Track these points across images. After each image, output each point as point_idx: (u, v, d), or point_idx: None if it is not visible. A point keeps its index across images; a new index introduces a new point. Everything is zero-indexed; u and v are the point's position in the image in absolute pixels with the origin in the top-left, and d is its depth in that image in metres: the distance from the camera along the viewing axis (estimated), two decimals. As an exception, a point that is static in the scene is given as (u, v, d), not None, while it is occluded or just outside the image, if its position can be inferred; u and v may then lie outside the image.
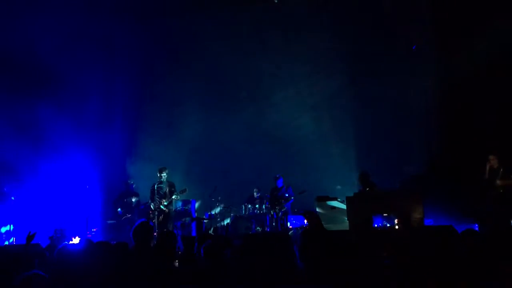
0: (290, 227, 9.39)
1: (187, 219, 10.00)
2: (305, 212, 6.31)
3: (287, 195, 10.16)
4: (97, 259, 3.56)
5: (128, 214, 10.26)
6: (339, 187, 9.04)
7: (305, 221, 5.69)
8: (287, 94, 11.63)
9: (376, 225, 7.77)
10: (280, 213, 10.04)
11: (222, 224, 10.59)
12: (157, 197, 9.01)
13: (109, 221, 10.36)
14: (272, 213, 10.09)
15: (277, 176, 10.39)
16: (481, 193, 8.17)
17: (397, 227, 7.14)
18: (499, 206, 7.80)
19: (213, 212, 10.62)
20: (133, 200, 10.45)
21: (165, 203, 8.94)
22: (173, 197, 9.03)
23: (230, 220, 10.46)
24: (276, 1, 11.46)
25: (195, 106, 11.83)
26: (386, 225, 7.83)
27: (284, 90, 11.63)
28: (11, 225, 9.20)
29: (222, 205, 10.77)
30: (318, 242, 3.05)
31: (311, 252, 3.02)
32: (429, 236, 3.28)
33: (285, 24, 11.62)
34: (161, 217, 8.92)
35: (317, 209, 8.93)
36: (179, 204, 10.32)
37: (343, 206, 8.57)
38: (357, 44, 11.02)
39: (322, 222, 8.56)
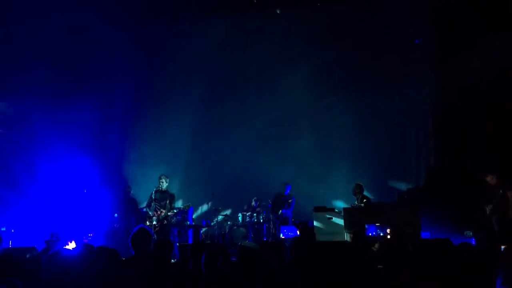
0: (283, 237, 9.38)
1: (184, 226, 9.96)
2: (299, 223, 6.33)
3: (286, 205, 10.24)
4: (90, 265, 3.53)
5: (125, 219, 10.21)
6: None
7: (298, 231, 5.68)
8: (287, 102, 11.66)
9: (369, 234, 7.76)
10: (277, 223, 10.06)
11: (219, 232, 10.56)
12: (156, 206, 8.93)
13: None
14: (272, 217, 10.14)
15: (286, 182, 10.43)
16: (479, 208, 8.16)
17: (389, 236, 7.17)
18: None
19: (218, 220, 10.64)
20: (131, 205, 10.42)
21: (163, 216, 8.84)
22: (170, 213, 8.94)
23: (228, 228, 10.44)
24: (278, 12, 11.57)
25: (194, 113, 11.86)
26: (380, 234, 7.82)
27: (285, 98, 11.66)
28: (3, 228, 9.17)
29: (222, 213, 10.79)
30: (308, 252, 3.07)
31: (301, 262, 3.03)
32: (425, 248, 3.29)
33: (286, 34, 11.70)
34: (158, 226, 8.84)
35: (314, 220, 8.93)
36: (177, 211, 10.27)
37: (341, 217, 8.57)
38: (357, 58, 11.14)
39: (319, 232, 8.63)
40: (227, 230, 10.40)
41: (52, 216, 10.05)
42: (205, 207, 11.38)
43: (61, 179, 10.73)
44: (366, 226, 7.69)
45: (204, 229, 10.49)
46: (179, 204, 10.62)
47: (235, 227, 10.32)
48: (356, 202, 9.06)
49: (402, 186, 10.65)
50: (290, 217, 10.24)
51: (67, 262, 3.30)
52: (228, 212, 11.30)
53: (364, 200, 8.89)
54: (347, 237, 8.02)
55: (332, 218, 8.83)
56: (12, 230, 9.20)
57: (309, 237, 5.38)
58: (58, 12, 10.11)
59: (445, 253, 3.27)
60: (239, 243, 6.87)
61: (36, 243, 8.06)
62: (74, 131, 10.88)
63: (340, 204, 10.22)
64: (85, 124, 11.27)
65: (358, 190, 9.34)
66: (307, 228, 5.59)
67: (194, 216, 11.13)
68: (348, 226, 7.99)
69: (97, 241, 9.69)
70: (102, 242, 9.48)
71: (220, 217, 10.85)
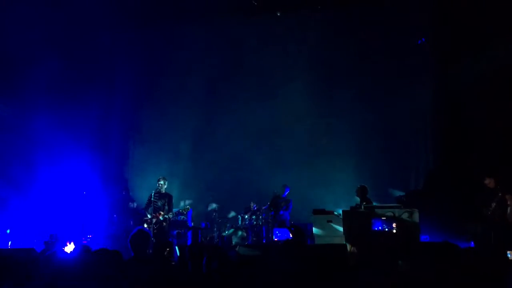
0: (275, 239, 9.37)
1: (183, 228, 9.96)
2: (292, 225, 6.34)
3: (284, 207, 10.23)
4: (87, 266, 3.53)
5: (124, 221, 10.23)
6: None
7: (290, 234, 5.68)
8: (288, 105, 11.68)
9: (375, 229, 7.72)
10: (276, 224, 10.06)
11: (218, 234, 10.56)
12: (155, 208, 8.91)
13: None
14: (269, 218, 10.12)
15: (285, 184, 10.42)
16: (477, 212, 8.14)
17: (395, 231, 7.16)
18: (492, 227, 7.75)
19: (217, 222, 10.64)
20: (133, 205, 10.42)
21: (161, 218, 8.82)
22: (169, 215, 8.93)
23: (227, 230, 10.44)
24: (278, 14, 11.60)
25: (193, 114, 11.87)
26: (385, 228, 7.79)
27: (285, 101, 11.68)
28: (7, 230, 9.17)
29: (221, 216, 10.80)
30: (297, 255, 3.08)
31: (291, 263, 3.05)
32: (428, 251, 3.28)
33: (287, 36, 11.73)
34: (156, 228, 8.82)
35: (313, 223, 8.91)
36: (176, 213, 10.27)
37: (340, 220, 8.56)
38: (359, 60, 11.17)
39: (318, 236, 8.61)
40: (226, 232, 10.41)
41: (52, 217, 10.05)
42: (204, 209, 11.36)
43: (61, 180, 10.74)
44: (373, 221, 7.65)
45: (202, 231, 10.47)
46: (180, 206, 10.61)
47: (233, 229, 10.31)
48: (359, 204, 9.03)
49: (402, 189, 10.65)
50: (288, 219, 10.24)
51: (64, 263, 3.30)
52: (230, 214, 11.28)
53: (364, 203, 8.88)
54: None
55: (332, 221, 8.81)
56: (8, 231, 9.18)
57: (300, 240, 5.35)
58: (60, 15, 10.14)
59: (446, 257, 3.26)
60: (236, 248, 6.88)
61: (35, 244, 8.06)
62: (74, 132, 10.90)
63: (340, 208, 10.19)
64: (85, 125, 11.29)
65: (360, 192, 9.30)
66: (299, 233, 5.57)
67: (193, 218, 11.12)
68: (348, 230, 7.95)
69: (96, 242, 9.69)
70: (101, 244, 9.48)
71: (219, 220, 10.86)
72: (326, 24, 11.40)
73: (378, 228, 7.79)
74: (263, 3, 11.07)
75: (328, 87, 11.49)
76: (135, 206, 10.45)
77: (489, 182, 7.82)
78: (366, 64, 11.13)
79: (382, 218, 7.54)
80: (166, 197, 8.99)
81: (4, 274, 3.73)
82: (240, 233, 10.37)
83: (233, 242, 10.03)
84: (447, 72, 9.99)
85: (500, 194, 7.62)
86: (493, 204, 7.72)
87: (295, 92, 11.61)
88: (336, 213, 9.06)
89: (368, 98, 11.18)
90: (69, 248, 7.67)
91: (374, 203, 9.22)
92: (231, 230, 10.34)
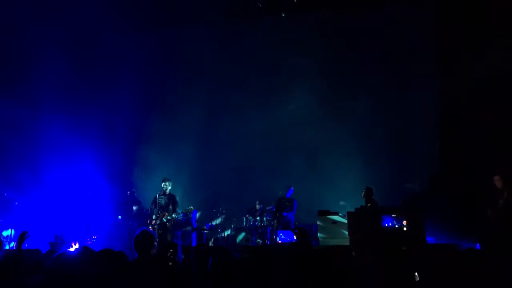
0: (279, 242, 9.34)
1: (188, 229, 9.97)
2: (296, 227, 6.33)
3: (288, 208, 10.18)
4: (95, 268, 3.53)
5: (129, 222, 10.26)
6: (342, 202, 8.98)
7: (295, 236, 5.68)
8: (293, 108, 11.67)
9: (386, 225, 7.69)
10: (280, 226, 10.02)
11: (223, 235, 10.56)
12: (160, 209, 8.95)
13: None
14: (273, 223, 10.06)
15: (288, 185, 10.37)
16: (483, 212, 8.09)
17: (405, 228, 7.15)
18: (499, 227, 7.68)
19: (213, 223, 10.60)
20: (134, 208, 10.46)
21: (165, 219, 8.84)
22: (174, 215, 8.94)
23: (232, 231, 10.44)
24: (283, 15, 11.60)
25: (198, 116, 11.88)
26: (395, 225, 7.76)
27: (289, 102, 11.67)
28: (12, 230, 9.20)
29: (223, 216, 10.75)
30: (302, 258, 3.07)
31: (295, 267, 3.04)
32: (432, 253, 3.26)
33: (295, 37, 11.72)
34: (161, 229, 8.84)
35: (319, 224, 8.89)
36: (180, 214, 10.29)
37: (344, 221, 8.53)
38: (363, 61, 11.15)
39: (323, 237, 8.60)
40: (230, 233, 10.41)
41: (57, 218, 10.10)
42: (209, 210, 11.35)
43: (66, 181, 10.78)
44: (382, 217, 7.61)
45: (207, 232, 10.47)
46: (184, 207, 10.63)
47: (237, 230, 10.33)
48: (365, 205, 9.00)
49: (407, 191, 10.60)
50: (293, 221, 10.17)
51: (68, 264, 3.30)
52: (234, 216, 11.26)
53: (369, 205, 8.85)
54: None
55: (336, 222, 8.79)
56: (12, 231, 9.22)
57: (305, 243, 5.34)
58: (69, 17, 10.21)
59: (452, 258, 3.23)
60: (240, 249, 6.88)
61: (40, 245, 8.09)
62: (79, 134, 10.94)
63: (343, 207, 10.15)
64: (90, 127, 11.34)
65: (366, 194, 9.27)
66: (303, 234, 5.56)
67: (197, 219, 11.12)
68: (352, 230, 7.92)
69: (101, 243, 9.72)
70: (106, 245, 9.50)
71: (223, 220, 10.85)
72: (330, 26, 11.38)
73: (388, 224, 7.75)
74: (267, 5, 11.07)
75: (332, 90, 11.45)
76: (140, 208, 10.49)
77: (497, 179, 7.78)
78: (369, 67, 11.09)
79: (393, 215, 7.49)
80: (170, 198, 9.04)
81: (10, 275, 3.75)
82: (244, 234, 10.39)
83: (237, 243, 10.05)
84: (450, 73, 9.95)
85: (506, 195, 7.58)
86: (499, 205, 7.68)
87: (300, 95, 11.60)
88: (340, 214, 9.00)
89: (372, 100, 11.13)
90: (74, 249, 7.69)
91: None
92: (235, 231, 10.36)
